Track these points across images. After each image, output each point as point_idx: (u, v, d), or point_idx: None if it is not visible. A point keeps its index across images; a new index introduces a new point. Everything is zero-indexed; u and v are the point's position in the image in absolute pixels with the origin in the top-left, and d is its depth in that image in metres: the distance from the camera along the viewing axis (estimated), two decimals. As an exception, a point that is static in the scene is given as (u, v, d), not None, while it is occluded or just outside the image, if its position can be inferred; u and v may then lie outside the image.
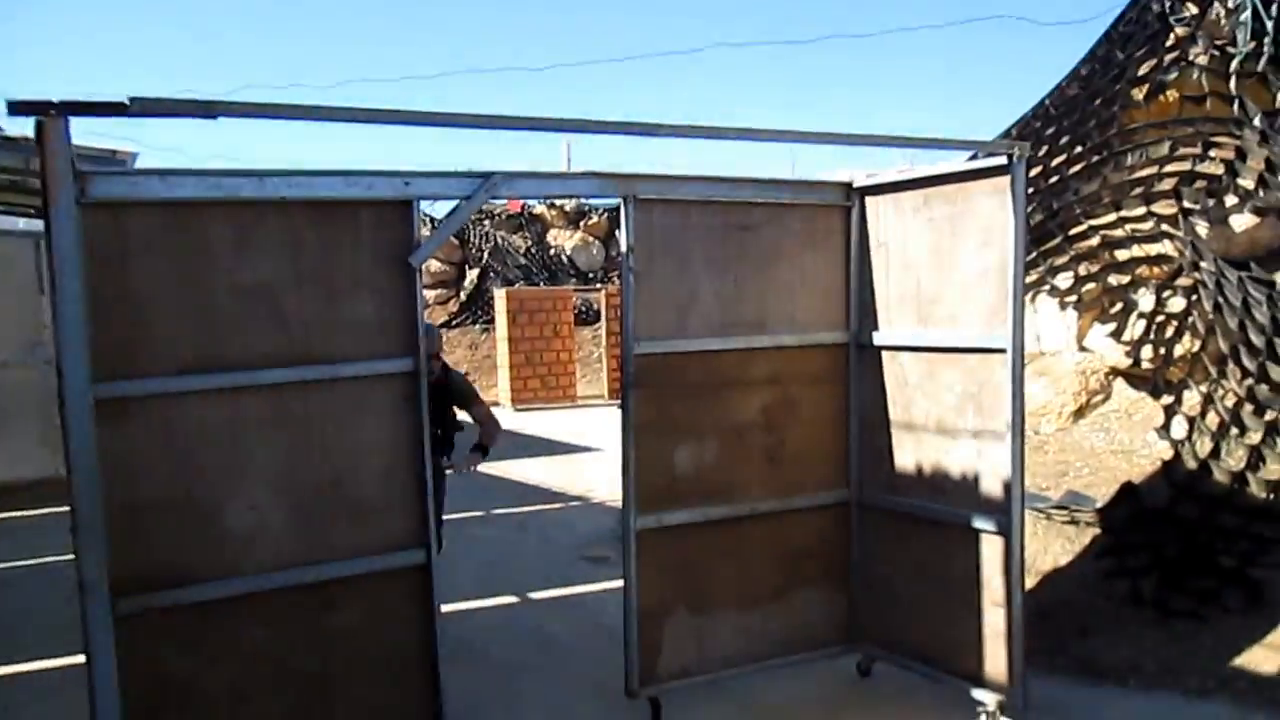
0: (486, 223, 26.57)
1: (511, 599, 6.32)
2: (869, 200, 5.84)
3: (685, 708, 5.47)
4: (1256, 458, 6.88)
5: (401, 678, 4.70)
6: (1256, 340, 7.33)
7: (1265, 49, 9.35)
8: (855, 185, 5.86)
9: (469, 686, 5.40)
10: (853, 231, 5.84)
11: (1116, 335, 8.20)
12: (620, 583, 5.36)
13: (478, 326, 24.32)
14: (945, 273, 5.50)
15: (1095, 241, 8.37)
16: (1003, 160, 5.20)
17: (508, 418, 17.80)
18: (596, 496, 11.30)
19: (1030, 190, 8.76)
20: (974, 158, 5.73)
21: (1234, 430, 7.09)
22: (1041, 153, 9.16)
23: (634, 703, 5.37)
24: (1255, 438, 6.96)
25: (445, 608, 4.93)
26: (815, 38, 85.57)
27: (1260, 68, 9.26)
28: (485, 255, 26.03)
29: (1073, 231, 8.48)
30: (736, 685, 5.72)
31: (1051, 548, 7.09)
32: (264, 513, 4.36)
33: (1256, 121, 8.79)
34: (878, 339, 5.80)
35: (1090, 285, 8.21)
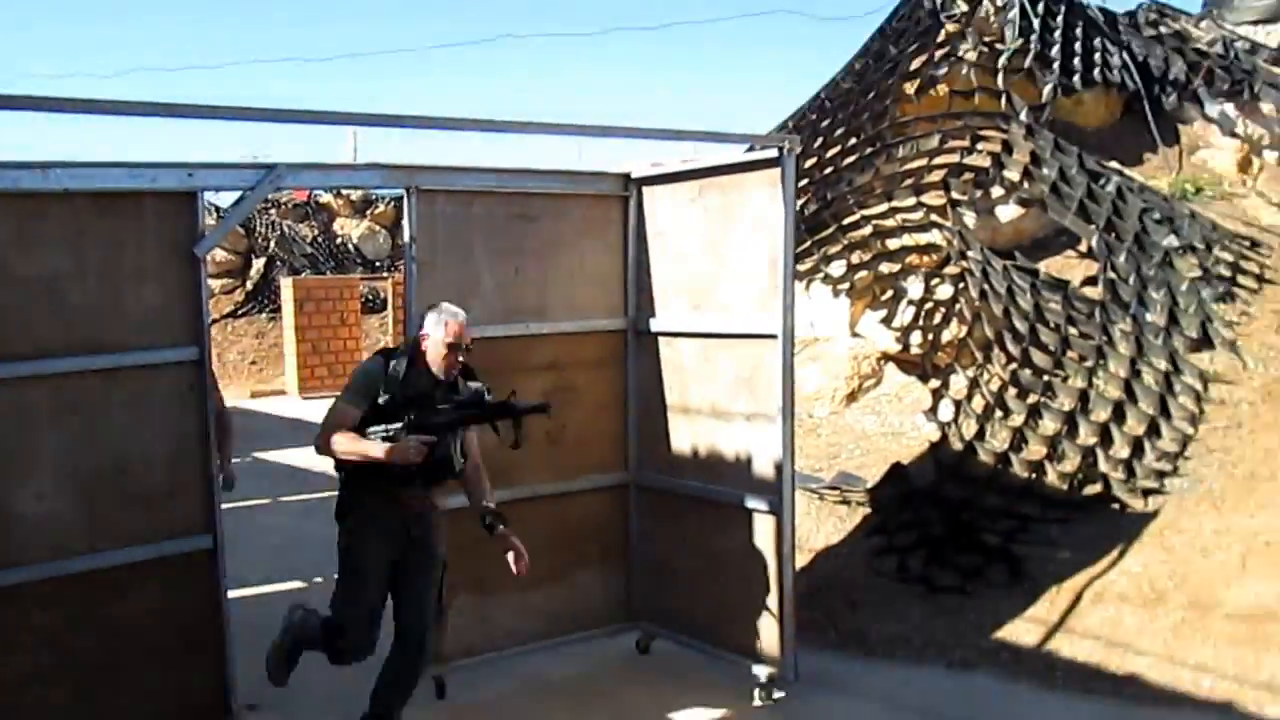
0: (273, 211, 26.94)
1: (299, 584, 6.69)
2: (647, 190, 6.61)
3: (469, 685, 6.09)
4: (1019, 439, 7.93)
5: (190, 663, 5.26)
6: (1020, 326, 8.45)
7: (1032, 46, 10.71)
8: (633, 176, 6.61)
9: (259, 671, 5.89)
10: (631, 221, 6.63)
11: (887, 321, 9.16)
12: (406, 565, 5.96)
13: (264, 315, 24.78)
14: (720, 261, 6.25)
15: (867, 231, 9.37)
16: (774, 153, 5.93)
17: (295, 406, 18.64)
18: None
19: (805, 181, 9.75)
20: (751, 149, 6.43)
21: (998, 413, 8.13)
22: (817, 144, 10.14)
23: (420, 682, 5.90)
24: (1018, 420, 8.03)
25: (233, 593, 5.50)
26: (599, 30, 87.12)
27: (1027, 64, 10.62)
28: (271, 244, 26.46)
29: (846, 221, 9.46)
30: (519, 663, 6.36)
31: (824, 527, 8.00)
32: (51, 501, 4.89)
33: (1023, 116, 10.10)
34: (655, 325, 6.58)
35: (862, 273, 9.15)
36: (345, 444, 5.08)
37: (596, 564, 6.67)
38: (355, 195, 28.17)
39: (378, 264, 27.54)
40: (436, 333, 5.16)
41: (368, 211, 28.52)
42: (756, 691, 6.04)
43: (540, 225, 6.30)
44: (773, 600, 6.05)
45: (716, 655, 6.37)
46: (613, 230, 6.61)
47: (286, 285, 21.71)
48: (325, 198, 28.04)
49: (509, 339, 6.22)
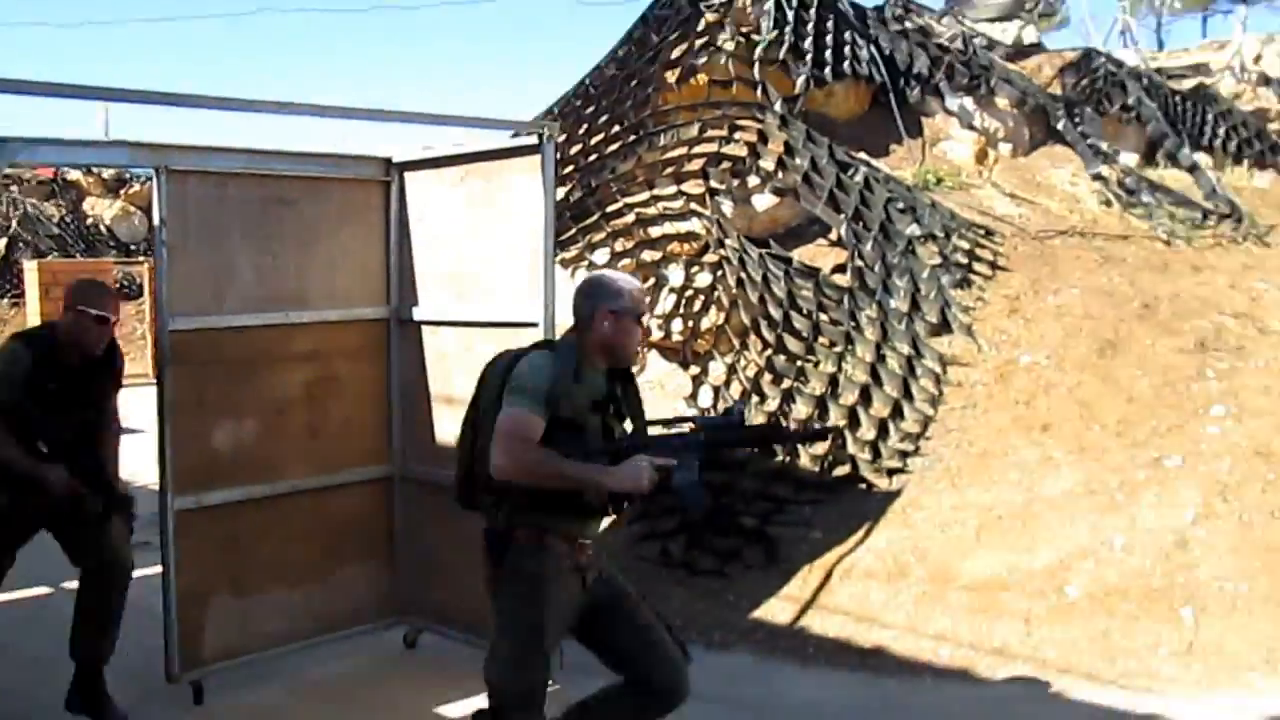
0: (15, 189, 25.36)
1: (45, 590, 6.38)
2: (409, 176, 6.54)
3: (230, 690, 5.89)
4: (774, 423, 8.16)
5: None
6: (775, 313, 8.76)
7: (786, 38, 11.07)
8: (395, 161, 6.54)
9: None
10: (393, 206, 6.55)
11: (650, 309, 9.33)
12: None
13: (5, 301, 23.38)
14: (482, 248, 6.23)
15: (630, 219, 9.52)
16: (534, 140, 5.94)
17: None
18: (139, 481, 11.26)
19: (571, 167, 9.84)
20: (517, 135, 6.45)
21: (755, 398, 8.40)
22: (581, 131, 10.23)
23: (176, 687, 5.75)
24: (773, 404, 8.33)
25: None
26: (366, 8, 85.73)
27: (781, 55, 10.94)
28: (14, 224, 25.00)
29: (610, 209, 9.58)
30: (284, 665, 6.21)
31: (593, 514, 8.07)
32: None
33: (777, 106, 10.44)
34: (418, 313, 6.52)
35: (626, 260, 9.30)
36: (549, 465, 3.90)
37: (362, 559, 6.55)
38: (108, 174, 26.99)
39: (133, 247, 26.45)
40: (619, 304, 4.13)
41: (121, 191, 27.32)
42: (523, 680, 6.05)
43: (299, 210, 6.16)
44: (539, 589, 6.07)
45: (484, 647, 6.29)
46: (374, 216, 6.52)
47: (30, 269, 20.47)
48: (74, 175, 26.78)
49: (268, 328, 6.06)
